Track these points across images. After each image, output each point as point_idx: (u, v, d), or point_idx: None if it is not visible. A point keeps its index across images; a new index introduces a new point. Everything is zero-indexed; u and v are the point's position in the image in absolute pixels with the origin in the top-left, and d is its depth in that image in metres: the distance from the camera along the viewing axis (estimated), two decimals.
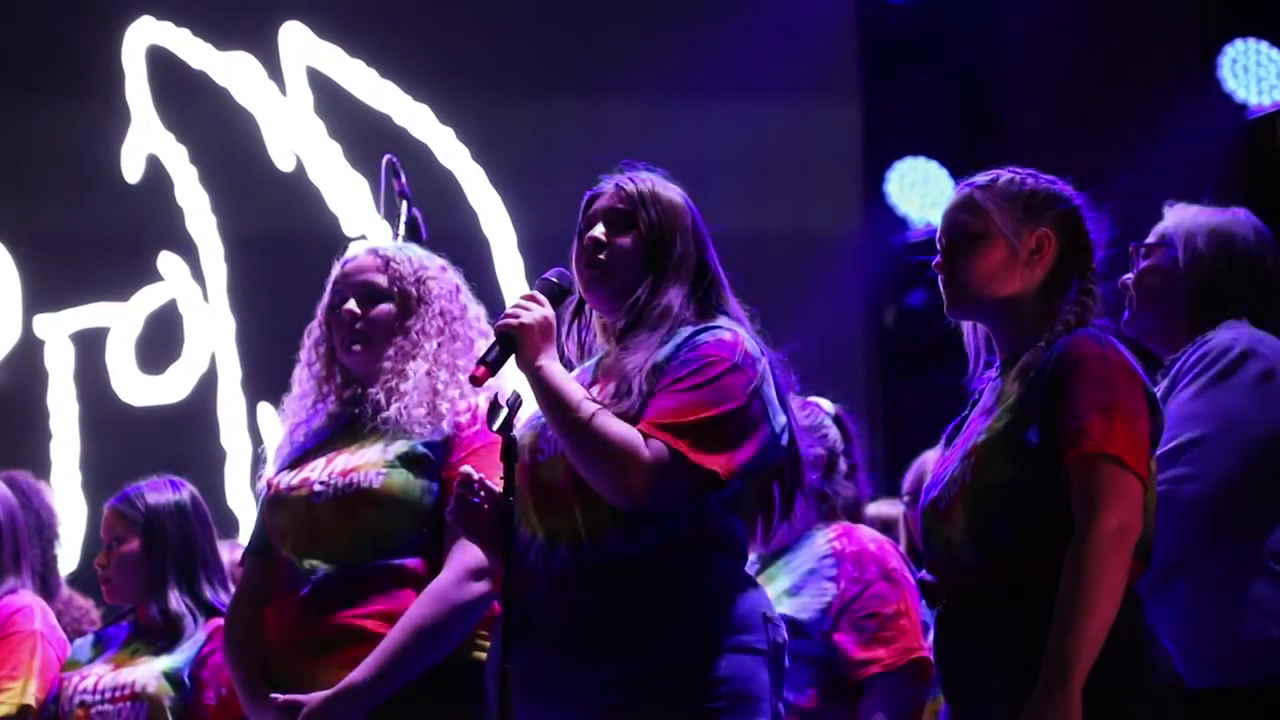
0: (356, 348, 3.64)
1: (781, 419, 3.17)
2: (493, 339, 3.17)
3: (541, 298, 3.19)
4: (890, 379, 7.81)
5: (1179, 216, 3.83)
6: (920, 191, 7.67)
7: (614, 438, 3.04)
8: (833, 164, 7.81)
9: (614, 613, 3.06)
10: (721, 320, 3.22)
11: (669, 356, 3.13)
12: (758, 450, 3.11)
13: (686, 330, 3.18)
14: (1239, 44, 7.50)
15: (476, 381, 3.13)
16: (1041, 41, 7.58)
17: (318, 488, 3.55)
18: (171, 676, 4.10)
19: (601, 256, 3.26)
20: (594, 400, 3.11)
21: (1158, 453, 3.41)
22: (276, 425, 3.82)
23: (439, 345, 3.64)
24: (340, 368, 3.69)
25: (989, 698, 3.01)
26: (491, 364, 3.12)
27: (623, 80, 7.82)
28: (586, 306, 3.36)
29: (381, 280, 3.67)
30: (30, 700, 4.19)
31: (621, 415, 3.08)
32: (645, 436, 3.04)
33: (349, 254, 3.76)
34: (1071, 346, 3.04)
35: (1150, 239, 3.82)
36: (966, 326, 3.30)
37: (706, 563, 3.10)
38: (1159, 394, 3.57)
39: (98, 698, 4.13)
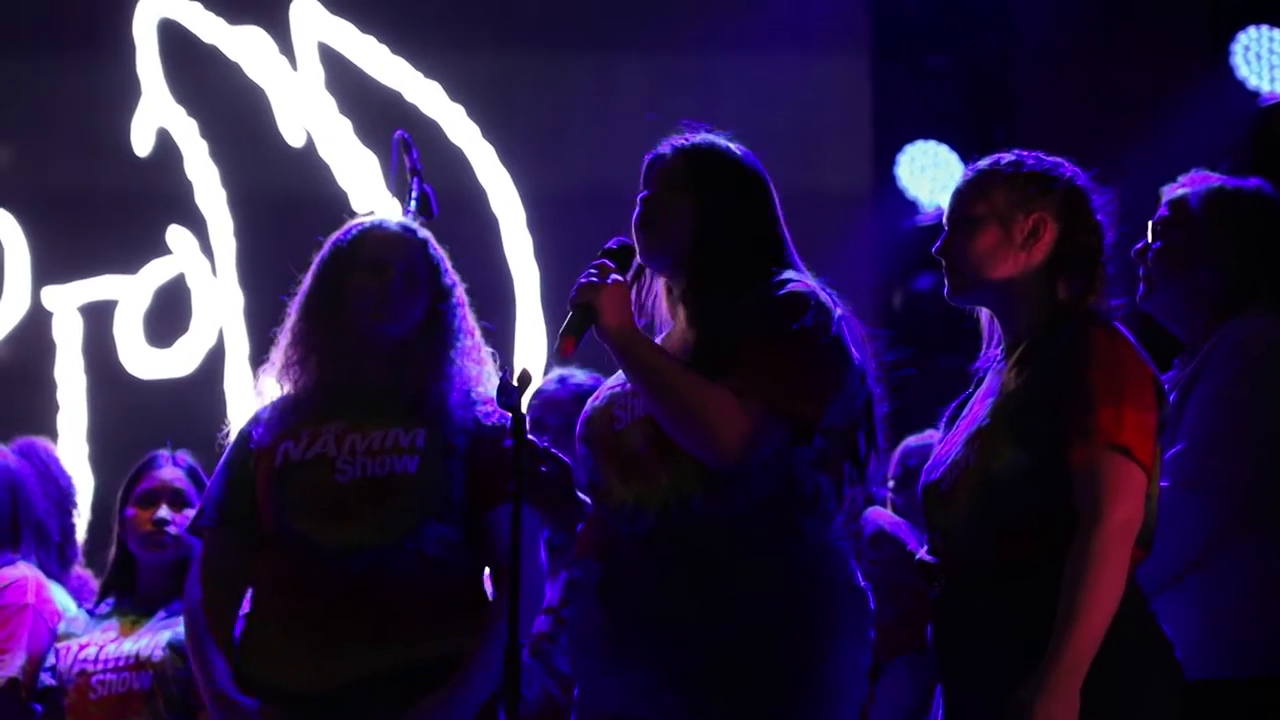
0: (389, 325, 3.57)
1: (859, 368, 3.16)
2: (570, 311, 3.14)
3: (610, 264, 3.17)
4: (899, 361, 7.80)
5: (1203, 186, 3.73)
6: (931, 175, 7.65)
7: (706, 396, 3.02)
8: (843, 147, 7.79)
9: (701, 577, 3.04)
10: (791, 274, 3.19)
11: (747, 312, 3.11)
12: (844, 397, 3.10)
13: (760, 285, 3.15)
14: (1252, 31, 7.47)
15: (563, 354, 3.10)
16: (1054, 26, 7.56)
17: (342, 465, 3.49)
18: (177, 647, 4.11)
19: (651, 217, 3.24)
20: (679, 361, 3.09)
21: (1180, 447, 3.40)
22: (256, 391, 3.71)
23: (463, 335, 3.61)
24: (335, 336, 3.60)
25: (986, 680, 3.01)
26: (576, 335, 3.10)
27: (634, 66, 7.81)
28: (646, 270, 3.33)
29: (421, 264, 3.62)
30: (19, 674, 4.19)
31: (706, 374, 3.05)
32: (737, 393, 3.01)
33: (369, 221, 3.69)
34: (1082, 335, 3.03)
35: (1167, 211, 3.73)
36: (983, 314, 3.28)
37: (795, 527, 3.08)
38: (1181, 380, 3.55)
39: (100, 667, 4.14)
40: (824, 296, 3.15)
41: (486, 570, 3.55)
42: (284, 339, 3.65)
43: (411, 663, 3.42)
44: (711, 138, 3.31)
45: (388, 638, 3.40)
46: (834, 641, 3.05)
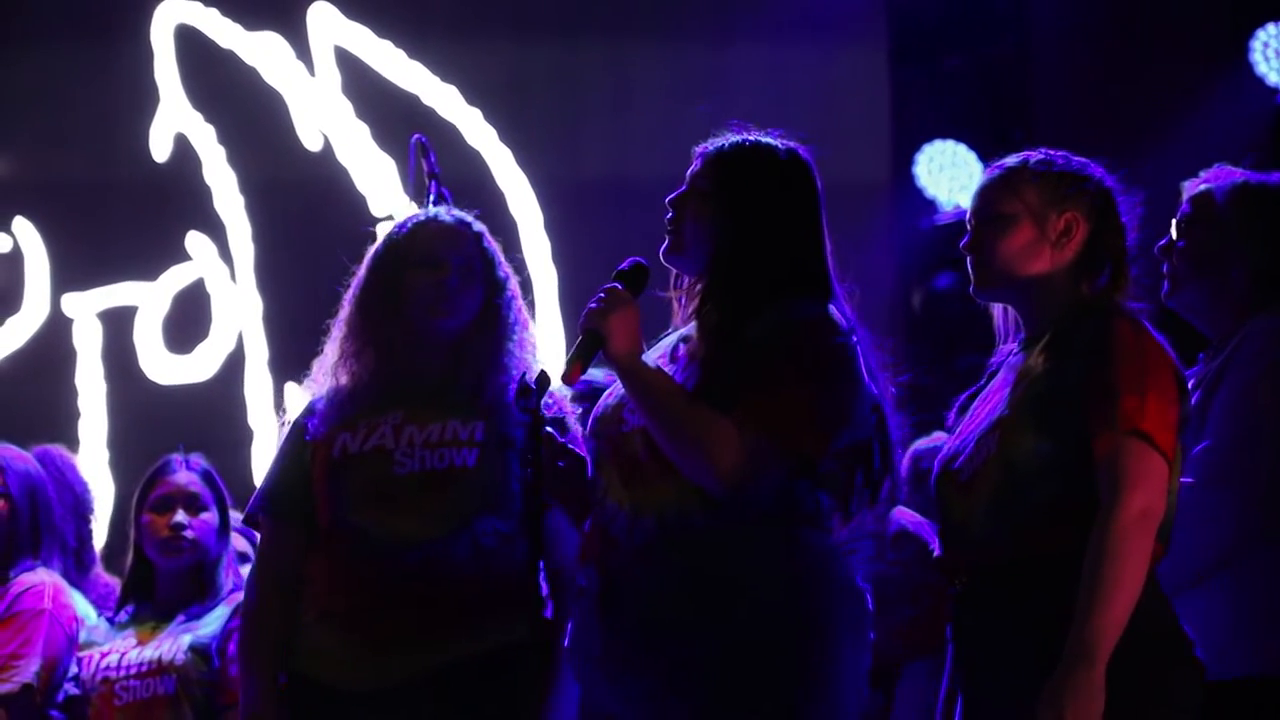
0: (446, 320, 3.55)
1: (872, 397, 3.13)
2: (580, 336, 3.12)
3: (620, 288, 3.15)
4: (917, 361, 7.79)
5: (1227, 182, 3.71)
6: (949, 174, 7.65)
7: (708, 428, 3.00)
8: (861, 146, 7.78)
9: (698, 588, 3.02)
10: (812, 297, 3.15)
11: (759, 336, 3.08)
12: (850, 430, 3.07)
13: (777, 306, 3.11)
14: (1270, 28, 7.46)
15: (570, 380, 3.09)
16: (1072, 24, 7.55)
17: (401, 458, 3.47)
18: (199, 650, 4.12)
19: (672, 225, 3.23)
20: (684, 390, 3.07)
21: (1205, 445, 3.38)
22: (310, 384, 3.66)
23: (519, 327, 3.60)
24: (391, 330, 3.57)
25: (1007, 674, 2.99)
26: (583, 361, 3.09)
27: (650, 64, 7.81)
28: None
29: (477, 258, 3.60)
30: (33, 679, 4.19)
31: (709, 396, 3.04)
32: (739, 424, 3.00)
33: (423, 214, 3.68)
34: (1106, 327, 3.03)
35: (1190, 208, 3.72)
36: (997, 310, 3.28)
37: (794, 537, 3.06)
38: (1206, 377, 3.53)
39: (123, 673, 4.15)
40: (840, 322, 3.12)
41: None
42: (338, 331, 3.62)
43: (467, 657, 3.39)
44: (751, 142, 3.26)
45: (443, 632, 3.38)
46: (832, 644, 3.04)
